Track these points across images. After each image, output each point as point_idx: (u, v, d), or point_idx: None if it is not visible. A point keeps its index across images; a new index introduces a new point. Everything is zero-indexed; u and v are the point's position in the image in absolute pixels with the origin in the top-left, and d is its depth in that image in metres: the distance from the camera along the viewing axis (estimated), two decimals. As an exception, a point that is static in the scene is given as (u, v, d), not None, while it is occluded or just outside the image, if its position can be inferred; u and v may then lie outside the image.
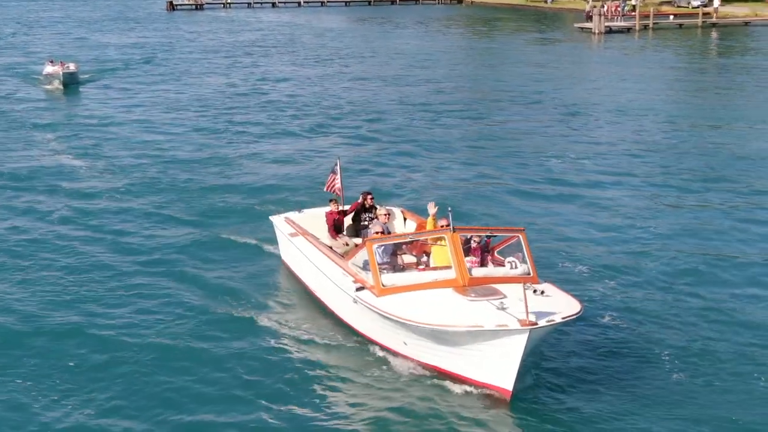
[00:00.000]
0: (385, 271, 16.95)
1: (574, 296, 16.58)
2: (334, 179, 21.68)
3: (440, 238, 17.18)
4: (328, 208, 21.06)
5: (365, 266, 17.52)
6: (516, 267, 17.01)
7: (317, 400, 15.89)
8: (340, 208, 21.12)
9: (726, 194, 28.93)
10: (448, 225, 17.46)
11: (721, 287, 20.98)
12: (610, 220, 26.25)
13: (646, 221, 26.01)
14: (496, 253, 18.06)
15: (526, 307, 14.61)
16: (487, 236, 17.67)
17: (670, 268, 22.10)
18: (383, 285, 16.49)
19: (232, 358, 17.39)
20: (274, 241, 22.76)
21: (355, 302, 16.87)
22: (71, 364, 17.17)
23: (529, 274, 16.98)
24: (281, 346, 17.88)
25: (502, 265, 17.61)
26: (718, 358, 17.30)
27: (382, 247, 17.44)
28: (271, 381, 16.60)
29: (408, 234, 17.69)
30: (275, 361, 17.33)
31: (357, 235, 21.15)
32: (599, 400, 15.69)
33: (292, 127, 40.37)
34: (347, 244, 20.17)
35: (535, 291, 15.95)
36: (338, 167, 21.77)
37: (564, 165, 33.05)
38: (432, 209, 18.48)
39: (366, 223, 21.00)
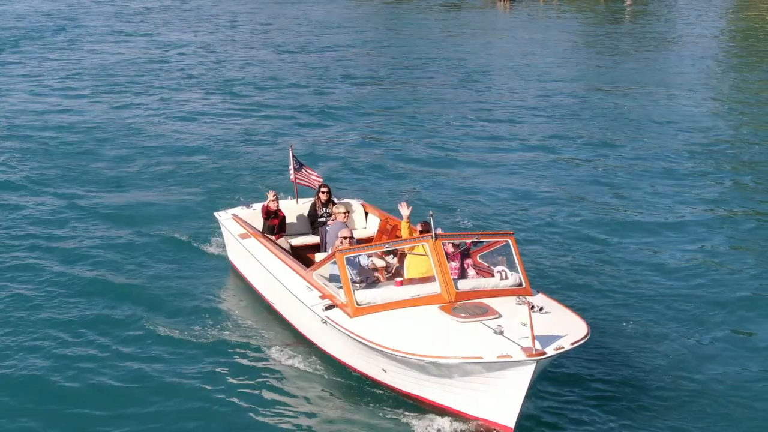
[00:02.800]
0: (358, 286, 14.37)
1: (573, 310, 14.29)
2: (299, 170, 18.97)
3: (420, 246, 14.67)
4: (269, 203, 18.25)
5: (332, 278, 14.94)
6: (506, 277, 14.62)
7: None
8: (278, 207, 18.33)
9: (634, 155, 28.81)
10: (426, 230, 15.04)
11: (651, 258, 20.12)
12: (518, 184, 25.65)
13: (566, 188, 25.36)
14: (478, 258, 15.67)
15: (532, 332, 12.21)
16: (473, 242, 15.21)
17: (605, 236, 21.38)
18: (358, 303, 13.91)
19: (176, 380, 14.77)
20: (217, 236, 20.01)
21: (325, 323, 14.27)
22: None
23: (521, 284, 14.61)
24: (234, 366, 15.23)
25: (487, 272, 15.24)
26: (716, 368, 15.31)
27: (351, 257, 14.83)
28: (225, 407, 14.05)
29: (383, 243, 15.08)
30: (228, 382, 14.74)
31: (314, 232, 18.60)
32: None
33: (207, 103, 36.39)
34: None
35: (533, 307, 13.59)
36: (291, 157, 19.05)
37: (472, 131, 32.09)
38: (405, 210, 15.91)
39: (323, 219, 18.41)
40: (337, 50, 51.17)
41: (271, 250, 16.70)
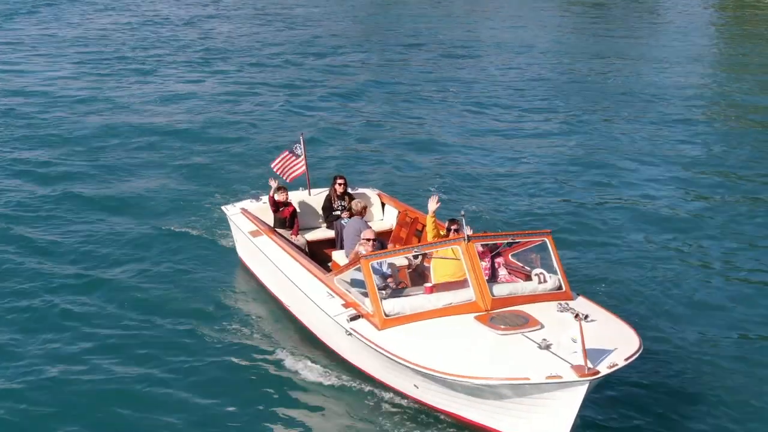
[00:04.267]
0: (384, 293, 12.98)
1: (620, 317, 12.91)
2: (293, 162, 17.44)
3: (451, 249, 13.28)
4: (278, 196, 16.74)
5: (354, 283, 13.57)
6: (545, 281, 13.25)
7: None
8: (289, 198, 16.87)
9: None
10: (456, 229, 13.73)
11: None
12: (523, 167, 24.92)
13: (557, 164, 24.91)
14: (510, 257, 14.30)
15: (584, 348, 10.86)
16: (508, 243, 13.82)
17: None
18: (386, 314, 12.54)
19: (179, 384, 13.48)
20: (223, 228, 18.62)
21: (349, 334, 12.91)
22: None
23: (560, 288, 13.25)
24: (247, 372, 13.87)
25: (520, 273, 13.91)
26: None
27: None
28: (235, 418, 12.72)
29: (412, 247, 13.64)
30: (239, 391, 13.39)
31: (329, 226, 17.22)
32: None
33: (205, 83, 34.86)
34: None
35: (577, 315, 12.26)
36: (302, 145, 17.57)
37: (472, 112, 31.56)
38: (433, 205, 14.48)
39: (338, 212, 17.03)
40: (320, 26, 49.63)
41: (287, 251, 15.29)
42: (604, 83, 35.51)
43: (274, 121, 28.94)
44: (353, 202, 16.04)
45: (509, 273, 14.05)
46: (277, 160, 17.47)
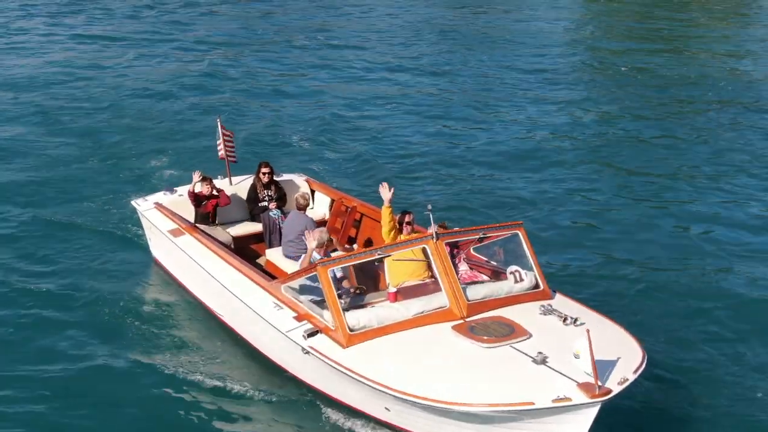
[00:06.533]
0: (343, 302, 11.01)
1: (609, 317, 11.34)
2: (222, 144, 15.31)
3: (419, 248, 11.44)
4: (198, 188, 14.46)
5: (303, 290, 11.57)
6: (521, 279, 11.59)
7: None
8: (214, 191, 14.58)
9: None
10: (408, 222, 12.07)
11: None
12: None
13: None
14: (472, 251, 12.57)
15: (594, 365, 9.23)
16: (479, 238, 12.05)
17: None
18: (350, 329, 10.61)
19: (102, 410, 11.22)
20: (129, 222, 16.28)
21: (307, 353, 10.91)
22: None
23: (538, 286, 11.62)
24: (179, 397, 11.72)
25: (483, 268, 12.28)
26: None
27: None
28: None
29: (375, 249, 11.58)
30: (174, 422, 11.24)
31: (253, 219, 15.08)
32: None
33: (100, 51, 31.91)
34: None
35: (566, 320, 10.71)
36: (219, 128, 15.32)
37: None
38: (387, 193, 12.57)
39: (265, 203, 14.92)
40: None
41: (219, 254, 13.07)
42: (480, 31, 35.83)
43: (170, 95, 26.22)
44: (297, 196, 13.88)
45: (471, 269, 12.35)
46: (221, 147, 15.21)
